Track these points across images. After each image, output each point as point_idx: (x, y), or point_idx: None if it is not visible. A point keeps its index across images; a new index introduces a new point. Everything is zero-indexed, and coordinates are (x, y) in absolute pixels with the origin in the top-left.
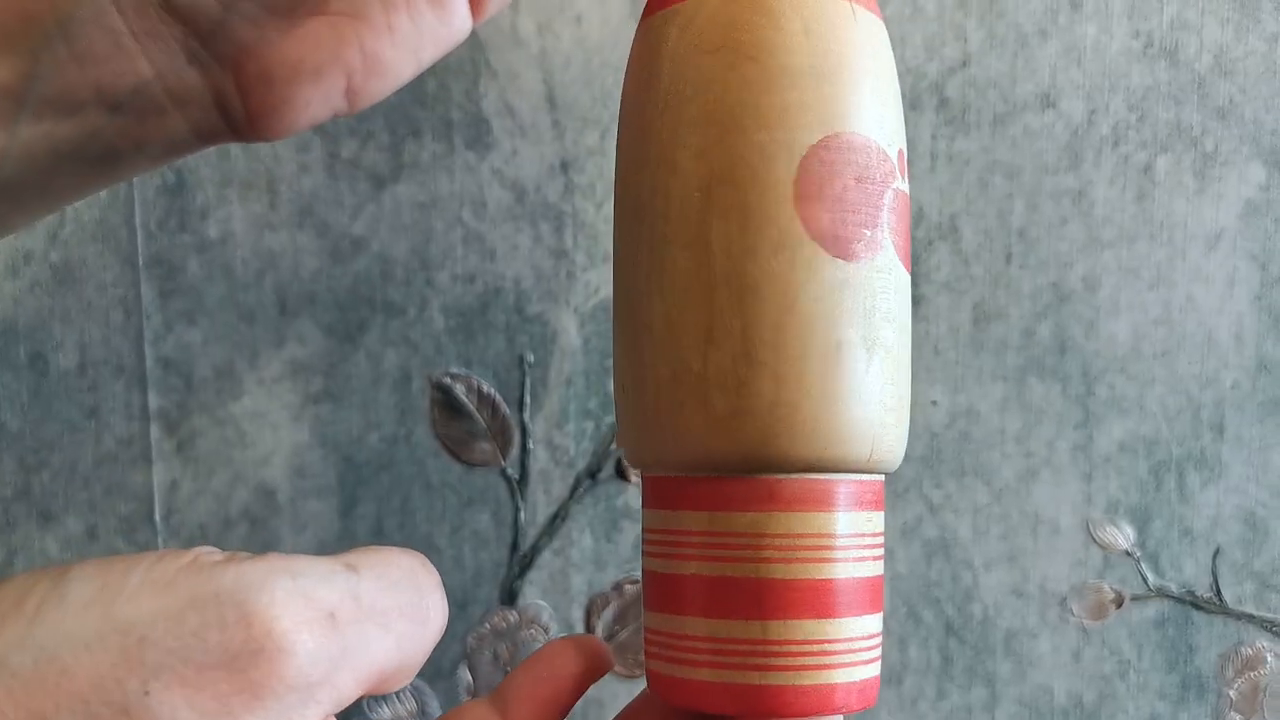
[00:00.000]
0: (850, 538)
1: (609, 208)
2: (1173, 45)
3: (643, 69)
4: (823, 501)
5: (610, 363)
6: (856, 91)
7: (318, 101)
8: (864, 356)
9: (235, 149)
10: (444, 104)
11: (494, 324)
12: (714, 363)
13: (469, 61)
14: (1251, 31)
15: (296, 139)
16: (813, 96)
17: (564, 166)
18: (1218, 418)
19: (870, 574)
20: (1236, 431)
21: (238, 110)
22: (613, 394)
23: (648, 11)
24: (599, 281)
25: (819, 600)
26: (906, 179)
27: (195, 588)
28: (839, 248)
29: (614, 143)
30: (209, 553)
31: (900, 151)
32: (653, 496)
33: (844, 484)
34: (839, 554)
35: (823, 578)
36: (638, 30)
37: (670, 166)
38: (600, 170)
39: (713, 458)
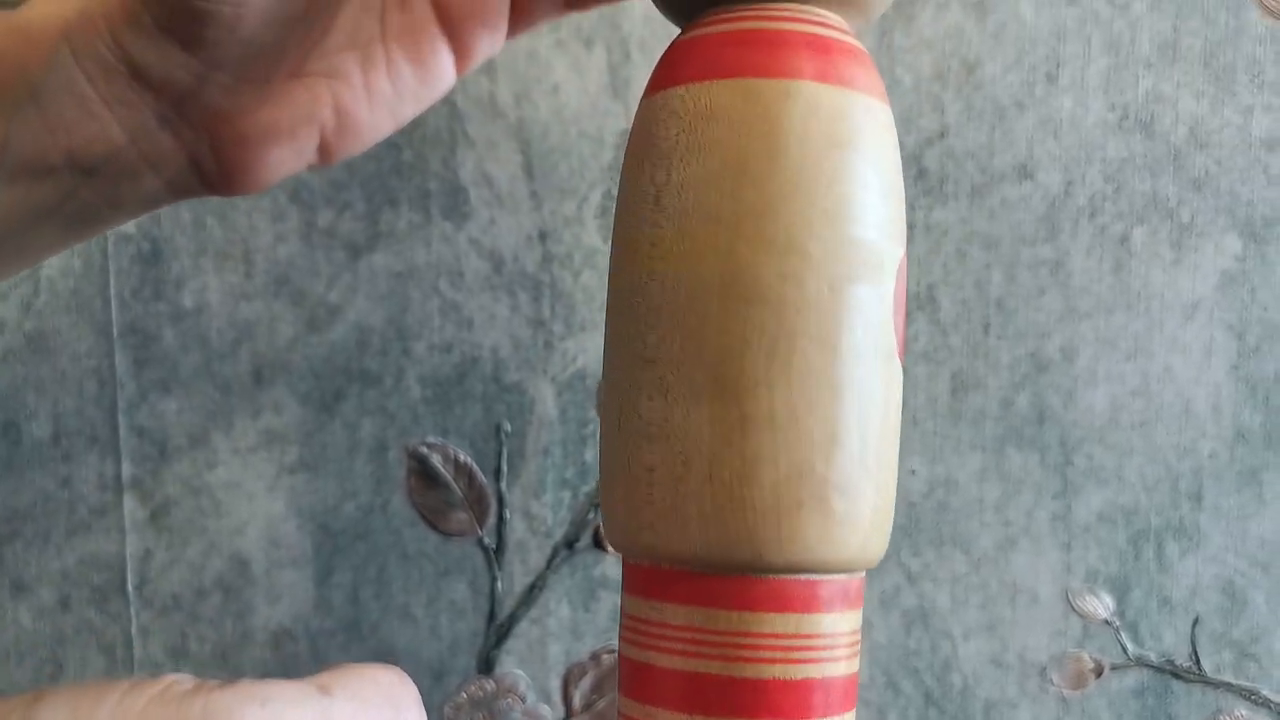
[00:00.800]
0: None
1: (586, 277)
2: (1148, 118)
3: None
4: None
5: (589, 430)
6: (899, 197)
7: (291, 159)
8: None
9: (210, 219)
10: (421, 173)
11: (471, 393)
12: (837, 465)
13: (446, 131)
14: (1226, 104)
15: (272, 208)
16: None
17: (542, 236)
18: (1196, 487)
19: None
20: (1215, 501)
21: (211, 169)
22: (601, 478)
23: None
24: (577, 350)
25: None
26: None
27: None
28: (899, 351)
29: (591, 212)
30: (180, 681)
31: None
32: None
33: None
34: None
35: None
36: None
37: (803, 255)
38: (578, 240)
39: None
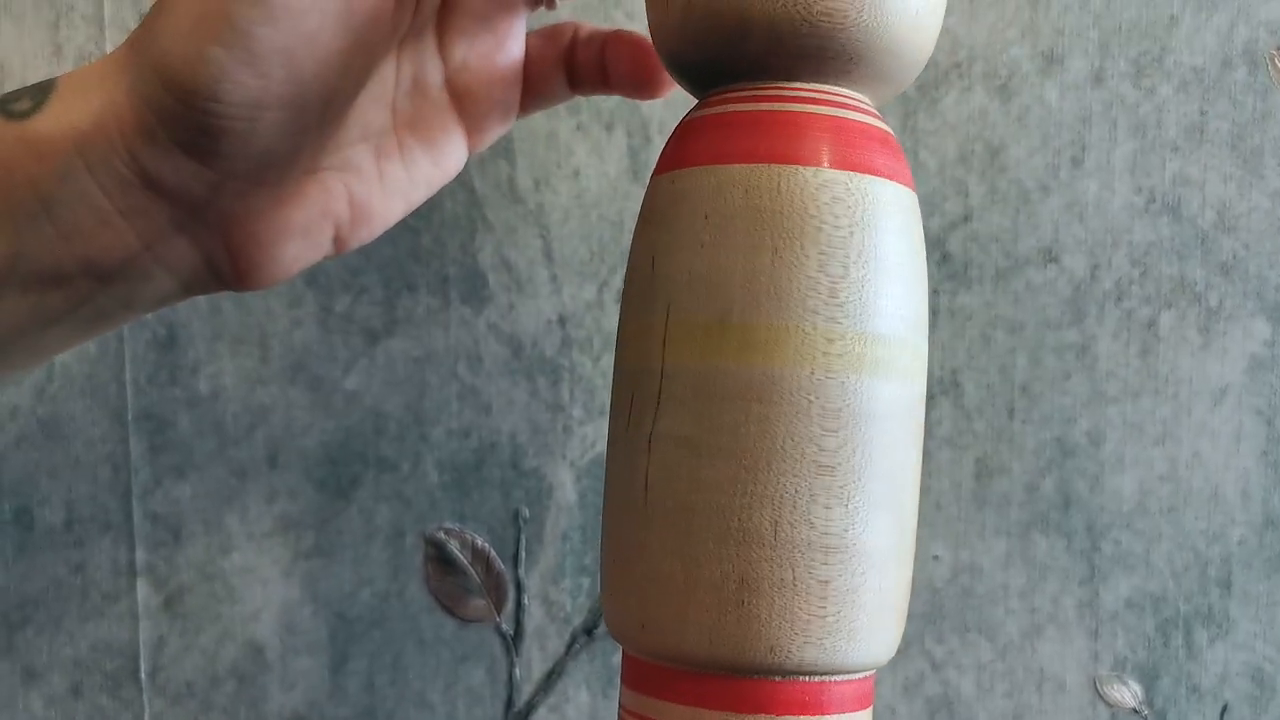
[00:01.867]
0: None
1: (606, 361)
2: (1175, 201)
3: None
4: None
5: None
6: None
7: (307, 254)
8: None
9: (227, 305)
10: (439, 259)
11: (489, 479)
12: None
13: (465, 216)
14: (1255, 187)
15: (289, 294)
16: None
17: (561, 321)
18: (1225, 574)
19: None
20: (1244, 587)
21: (226, 269)
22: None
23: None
24: (595, 436)
25: None
26: None
27: None
28: None
29: (611, 296)
30: None
31: None
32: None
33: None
34: None
35: None
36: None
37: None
38: (598, 324)
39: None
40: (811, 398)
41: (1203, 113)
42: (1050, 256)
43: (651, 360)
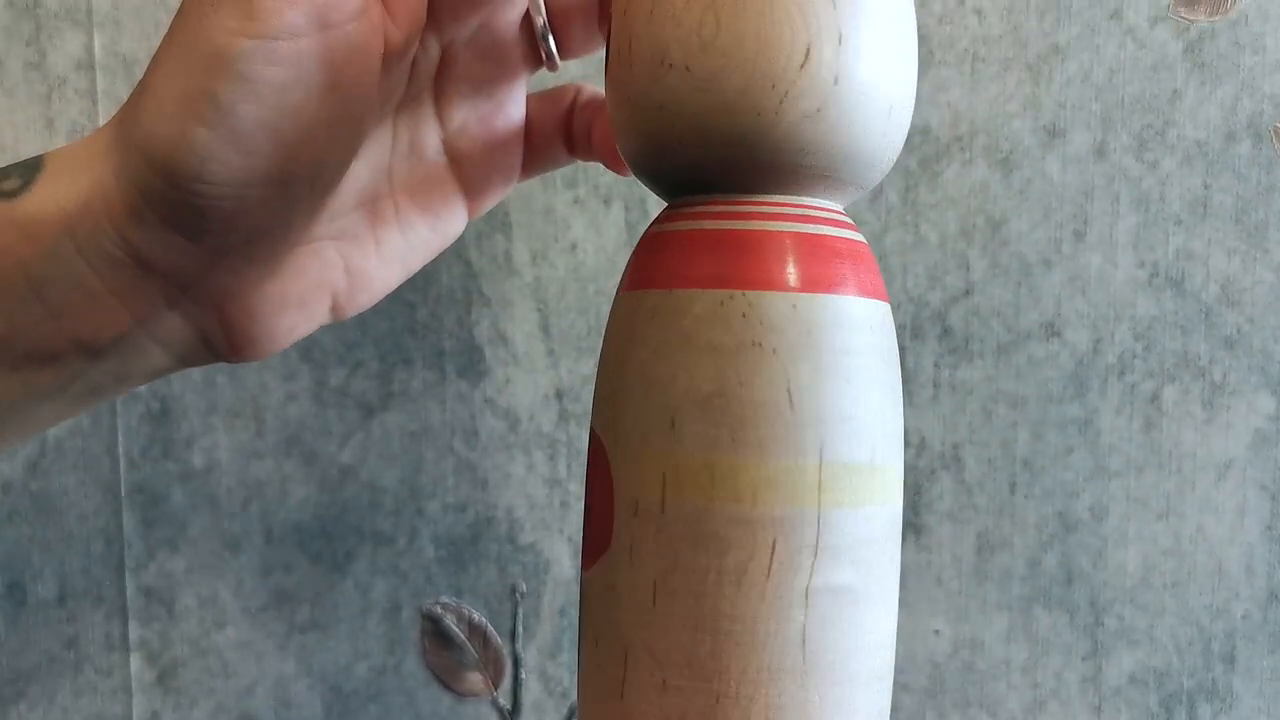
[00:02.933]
0: None
1: None
2: (1179, 275)
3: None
4: None
5: None
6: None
7: (303, 324)
8: None
9: (221, 378)
10: (436, 332)
11: (485, 553)
12: None
13: (461, 290)
14: (1259, 261)
15: (283, 367)
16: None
17: (558, 395)
18: (1229, 649)
19: None
20: (1248, 663)
21: (221, 342)
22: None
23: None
24: None
25: None
26: None
27: None
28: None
29: None
30: None
31: None
32: None
33: None
34: None
35: None
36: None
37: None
38: None
39: None
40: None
41: (1206, 186)
42: (1052, 330)
43: (801, 503)
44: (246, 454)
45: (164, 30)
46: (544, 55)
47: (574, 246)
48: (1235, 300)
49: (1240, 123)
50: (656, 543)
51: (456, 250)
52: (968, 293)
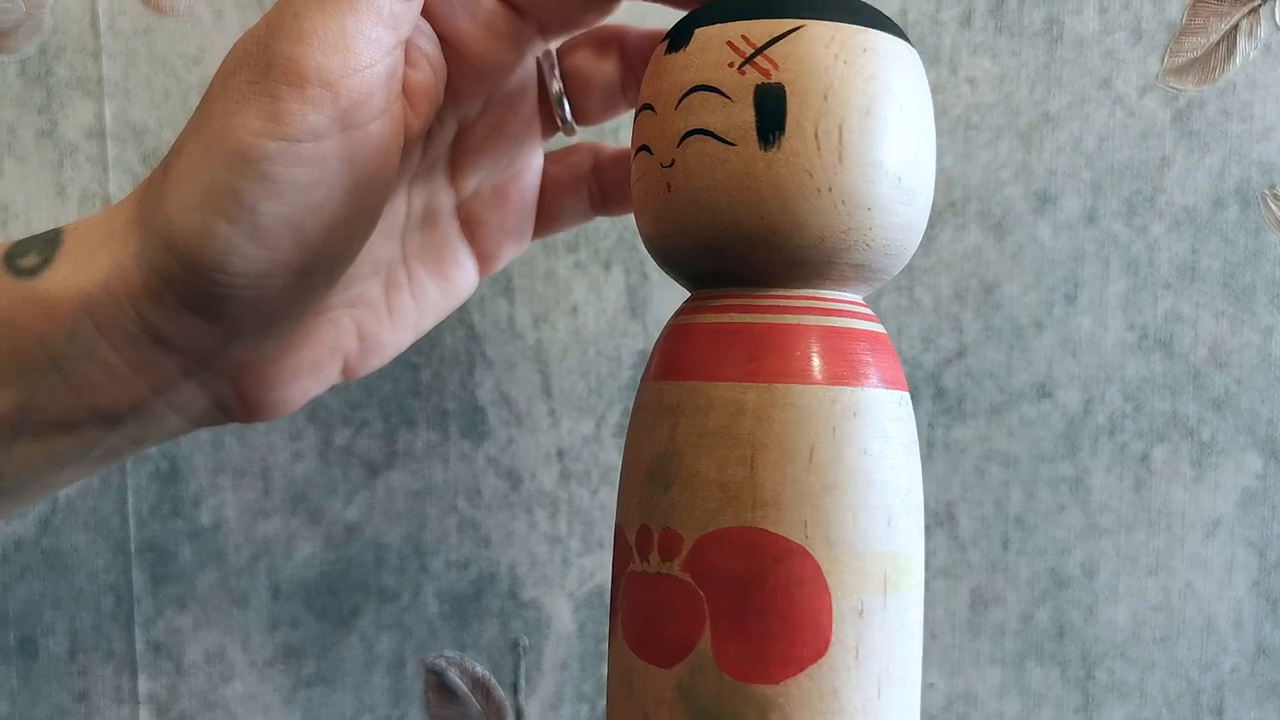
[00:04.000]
0: None
1: (604, 495)
2: (1168, 337)
3: None
4: None
5: (604, 646)
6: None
7: (315, 387)
8: None
9: (228, 438)
10: (439, 393)
11: (488, 609)
12: None
13: (464, 352)
14: (1246, 324)
15: (290, 427)
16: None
17: (560, 454)
18: (1217, 702)
19: None
20: (1236, 715)
21: (235, 406)
22: None
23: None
24: (594, 567)
25: None
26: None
27: None
28: None
29: (609, 430)
30: None
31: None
32: None
33: None
34: None
35: None
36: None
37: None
38: (595, 458)
39: None
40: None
41: (1194, 251)
42: (1044, 392)
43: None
44: (254, 512)
45: (173, 99)
46: (560, 121)
47: (575, 309)
48: (1223, 362)
49: (1228, 189)
50: (880, 640)
51: (459, 314)
52: (961, 354)
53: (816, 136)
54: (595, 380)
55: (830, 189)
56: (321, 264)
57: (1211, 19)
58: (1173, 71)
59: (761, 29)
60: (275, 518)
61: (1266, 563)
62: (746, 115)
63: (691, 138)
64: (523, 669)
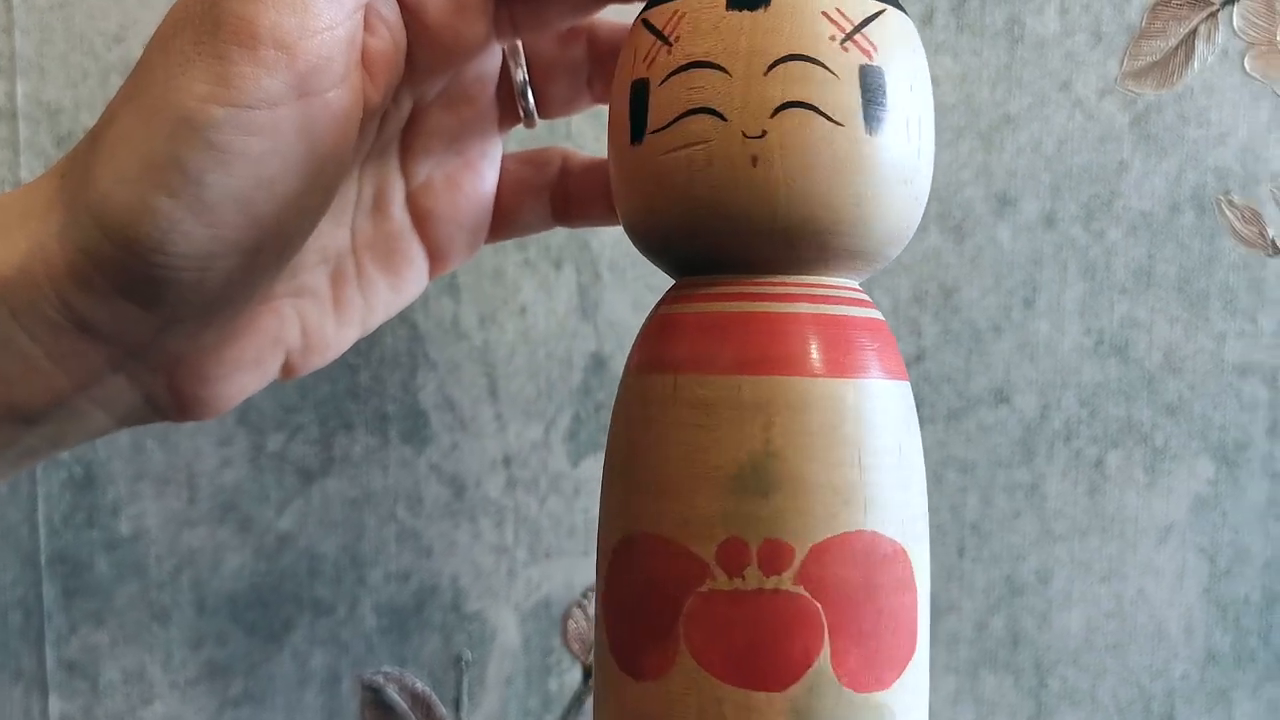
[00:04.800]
0: None
1: (553, 503)
2: (1124, 343)
3: None
4: None
5: (553, 659)
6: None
7: (253, 384)
8: None
9: (150, 442)
10: (379, 396)
11: (429, 622)
12: None
13: (406, 353)
14: (1200, 330)
15: (218, 432)
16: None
17: (506, 461)
18: (1168, 709)
19: None
20: None
21: (167, 403)
22: None
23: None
24: (541, 578)
25: None
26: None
27: None
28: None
29: (558, 436)
30: None
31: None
32: None
33: None
34: None
35: None
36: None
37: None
38: (544, 464)
39: None
40: None
41: (1151, 256)
42: (1002, 397)
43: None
44: (178, 522)
45: (91, 79)
46: (521, 112)
47: (524, 309)
48: (1177, 368)
49: (1184, 194)
50: (926, 629)
51: (402, 312)
52: (920, 359)
53: (907, 127)
54: (544, 383)
55: (910, 181)
56: (271, 244)
57: (1170, 23)
58: (1132, 75)
59: (855, 6)
60: (201, 527)
61: (1217, 569)
62: (853, 95)
63: (789, 109)
64: (465, 685)
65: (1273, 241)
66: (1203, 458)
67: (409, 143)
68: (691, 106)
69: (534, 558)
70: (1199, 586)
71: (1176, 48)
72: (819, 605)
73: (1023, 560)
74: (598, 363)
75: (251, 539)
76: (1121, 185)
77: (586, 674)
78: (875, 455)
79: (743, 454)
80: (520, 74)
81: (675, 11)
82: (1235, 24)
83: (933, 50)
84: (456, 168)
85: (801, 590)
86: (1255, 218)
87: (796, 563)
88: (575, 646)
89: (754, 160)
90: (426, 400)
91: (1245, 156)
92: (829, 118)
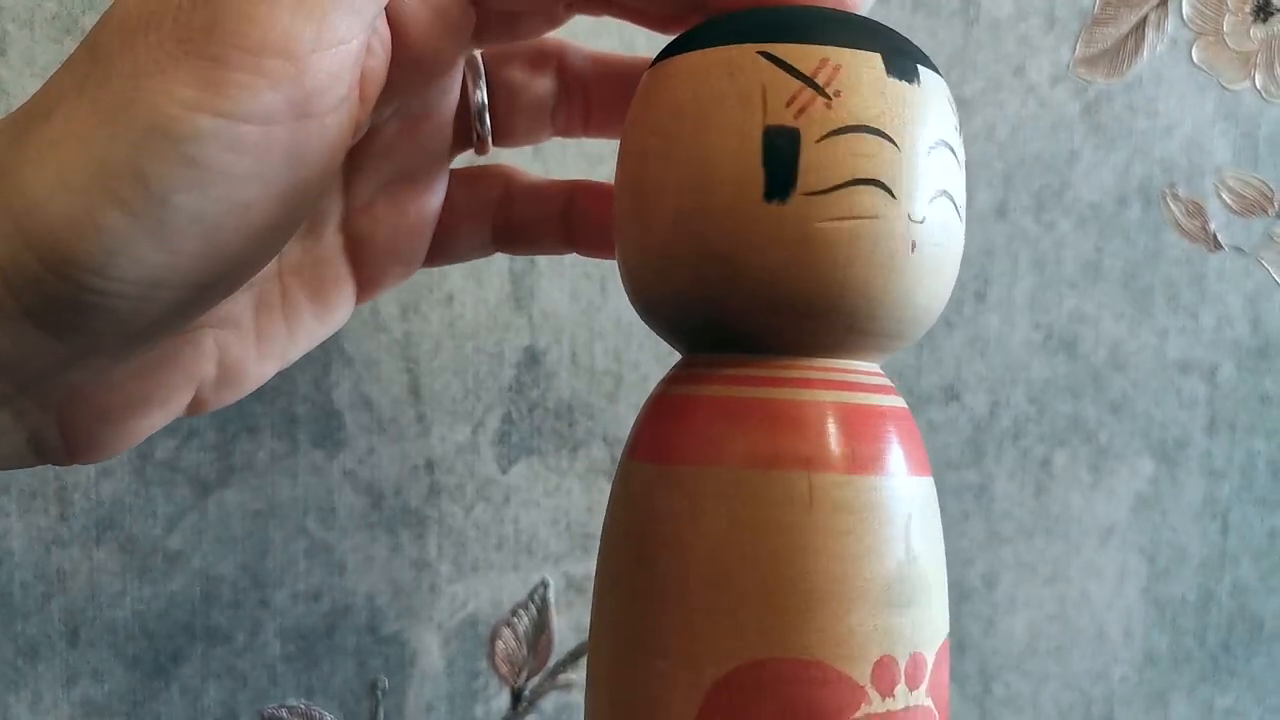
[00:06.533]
0: None
1: (480, 511)
2: (1071, 338)
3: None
4: None
5: (480, 683)
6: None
7: (157, 423)
8: None
9: None
10: (287, 396)
11: (341, 647)
12: None
13: (318, 348)
14: (1144, 325)
15: None
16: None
17: (429, 466)
18: (1107, 712)
19: None
20: None
21: (55, 444)
22: None
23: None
24: (467, 594)
25: None
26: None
27: None
28: None
29: (487, 438)
30: None
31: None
32: None
33: None
34: None
35: None
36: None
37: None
38: (471, 469)
39: None
40: None
41: (1098, 250)
42: (952, 394)
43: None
44: (46, 541)
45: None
46: (475, 136)
47: (450, 299)
48: (1122, 364)
49: (1132, 186)
50: None
51: None
52: None
53: (958, 212)
54: (473, 381)
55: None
56: (226, 278)
57: (1122, 9)
58: (1084, 62)
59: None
60: (74, 548)
61: (1156, 569)
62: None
63: (940, 199)
64: (381, 714)
65: (1214, 236)
66: (1144, 456)
67: (356, 163)
68: (859, 176)
69: (459, 572)
70: (1138, 588)
71: (1127, 35)
72: (938, 714)
73: (970, 565)
74: (531, 358)
75: (135, 560)
76: (1072, 176)
77: (515, 698)
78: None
79: (892, 563)
80: (480, 95)
81: (824, 60)
82: (1184, 13)
83: None
84: (402, 191)
85: (930, 702)
86: (1198, 211)
87: (928, 674)
88: (504, 669)
89: (913, 246)
90: (340, 400)
91: (1190, 149)
92: (956, 208)
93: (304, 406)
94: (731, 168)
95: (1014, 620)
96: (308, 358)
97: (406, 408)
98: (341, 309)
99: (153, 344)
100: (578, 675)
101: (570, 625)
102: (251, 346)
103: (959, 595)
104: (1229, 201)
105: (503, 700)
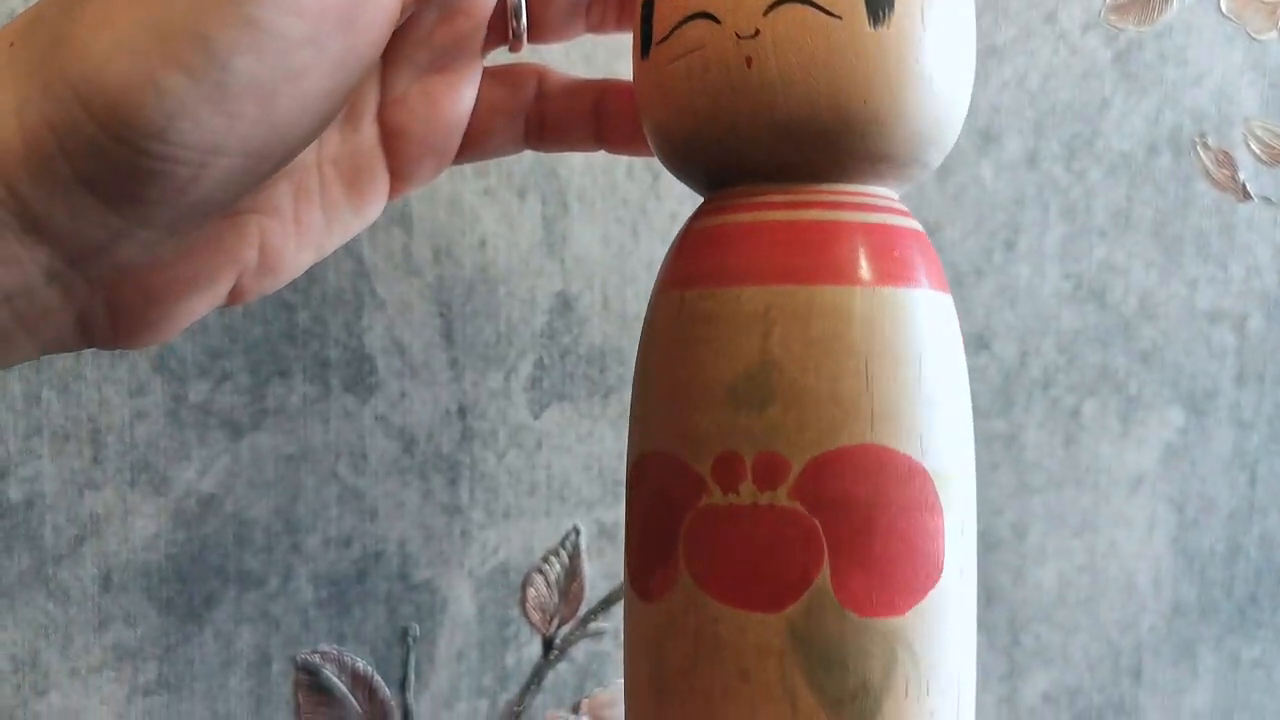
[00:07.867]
0: None
1: (512, 458)
2: (1101, 288)
3: None
4: None
5: (511, 631)
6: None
7: (201, 308)
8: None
9: (48, 391)
10: (319, 339)
11: (373, 593)
12: None
13: (351, 290)
14: (1174, 275)
15: (129, 379)
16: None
17: (461, 411)
18: (1135, 662)
19: None
20: (1152, 676)
21: (103, 325)
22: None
23: None
24: (499, 541)
25: None
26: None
27: None
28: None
29: (520, 384)
30: None
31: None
32: None
33: None
34: None
35: None
36: None
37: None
38: (503, 415)
39: None
40: None
41: (1129, 199)
42: (982, 343)
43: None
44: (79, 484)
45: None
46: (511, 32)
47: (483, 243)
48: (1151, 314)
49: (1162, 135)
50: (970, 557)
51: (346, 245)
52: None
53: (923, 19)
54: (505, 326)
55: (929, 78)
56: (278, 148)
57: None
58: (1115, 9)
59: None
60: (107, 490)
61: (1185, 519)
62: None
63: (784, 6)
64: (412, 662)
65: (1244, 186)
66: (1174, 406)
67: (394, 51)
68: (689, 13)
69: (491, 519)
70: (1167, 537)
71: None
72: (817, 522)
73: (1000, 514)
74: (564, 303)
75: (168, 503)
76: (1103, 124)
77: (546, 646)
78: (885, 365)
79: (741, 365)
80: None
81: None
82: None
83: None
84: (436, 84)
85: (798, 506)
86: (1228, 160)
87: (793, 477)
88: (535, 616)
89: (748, 61)
90: (373, 344)
91: (1219, 99)
92: (826, 10)
93: (336, 350)
94: (635, 37)
95: (1043, 571)
96: (340, 301)
97: (439, 352)
98: (376, 201)
99: (203, 220)
100: (609, 623)
101: (602, 572)
102: (291, 235)
103: (986, 545)
104: (1257, 151)
105: (534, 648)
